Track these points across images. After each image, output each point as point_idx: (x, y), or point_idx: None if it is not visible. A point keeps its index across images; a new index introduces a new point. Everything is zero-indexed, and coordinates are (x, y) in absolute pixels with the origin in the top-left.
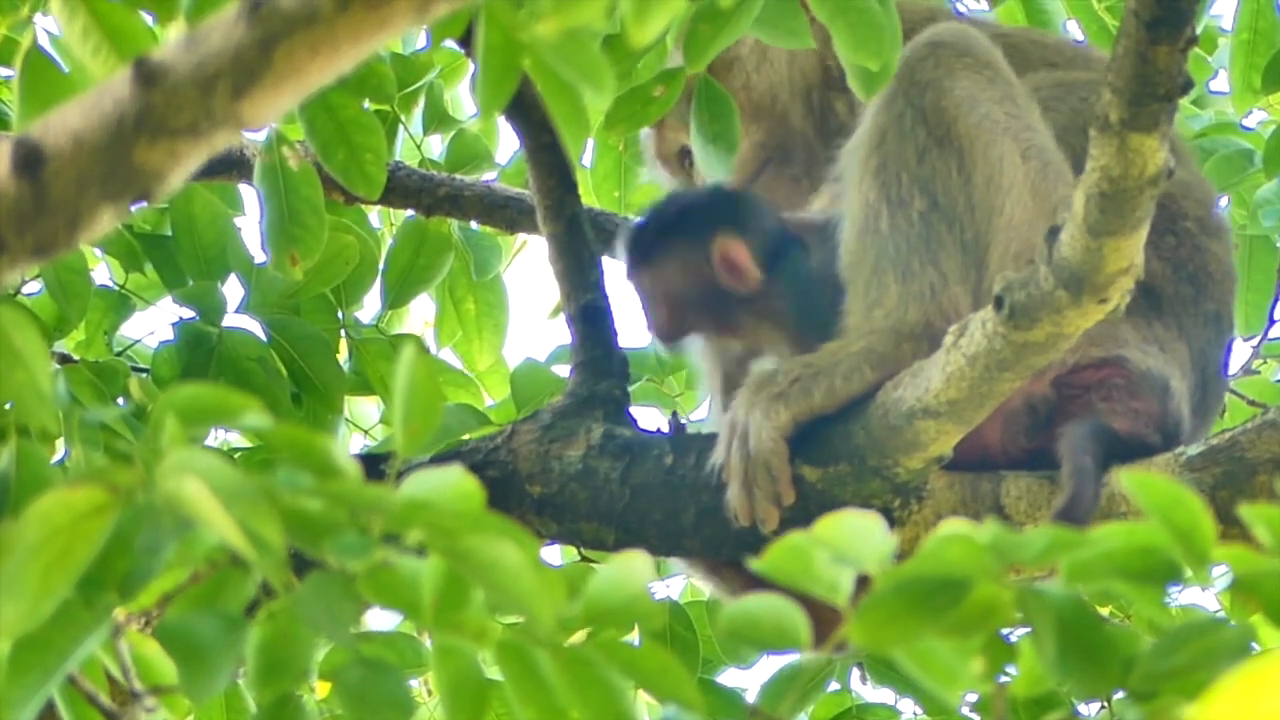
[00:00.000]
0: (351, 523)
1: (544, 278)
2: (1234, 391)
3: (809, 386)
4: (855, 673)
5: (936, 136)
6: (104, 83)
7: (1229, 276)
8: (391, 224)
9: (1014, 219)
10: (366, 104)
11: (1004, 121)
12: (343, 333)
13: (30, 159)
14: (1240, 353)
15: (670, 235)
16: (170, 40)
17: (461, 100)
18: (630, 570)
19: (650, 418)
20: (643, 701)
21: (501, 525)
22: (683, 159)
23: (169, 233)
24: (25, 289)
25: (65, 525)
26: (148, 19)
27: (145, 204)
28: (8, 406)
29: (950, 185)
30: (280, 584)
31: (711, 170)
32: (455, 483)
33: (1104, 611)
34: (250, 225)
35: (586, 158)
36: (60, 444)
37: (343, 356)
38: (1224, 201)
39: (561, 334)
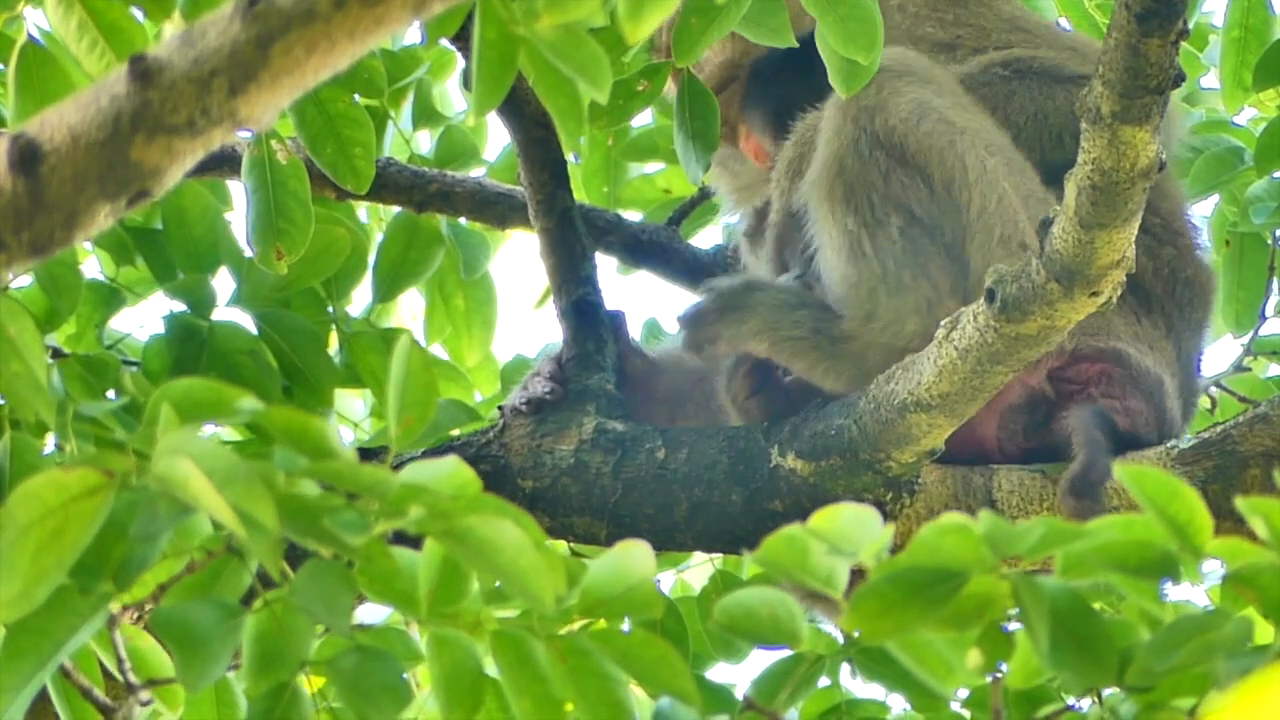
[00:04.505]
0: (348, 508)
1: (528, 268)
2: (1225, 388)
3: (800, 347)
4: (845, 668)
5: (895, 156)
6: (101, 80)
7: (1214, 292)
8: (380, 219)
9: (987, 209)
10: (357, 98)
11: (960, 123)
12: (333, 326)
13: (27, 156)
14: (1231, 350)
15: None
16: (166, 37)
17: (450, 95)
18: (630, 559)
19: None
20: (633, 695)
21: (500, 505)
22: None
23: (159, 226)
24: (15, 282)
25: (57, 506)
26: (138, 15)
27: (144, 202)
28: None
29: (921, 197)
30: (275, 571)
31: (689, 165)
32: (451, 470)
33: (1095, 607)
34: (238, 221)
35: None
36: (50, 437)
37: (333, 349)
38: (1214, 199)
39: (546, 323)
